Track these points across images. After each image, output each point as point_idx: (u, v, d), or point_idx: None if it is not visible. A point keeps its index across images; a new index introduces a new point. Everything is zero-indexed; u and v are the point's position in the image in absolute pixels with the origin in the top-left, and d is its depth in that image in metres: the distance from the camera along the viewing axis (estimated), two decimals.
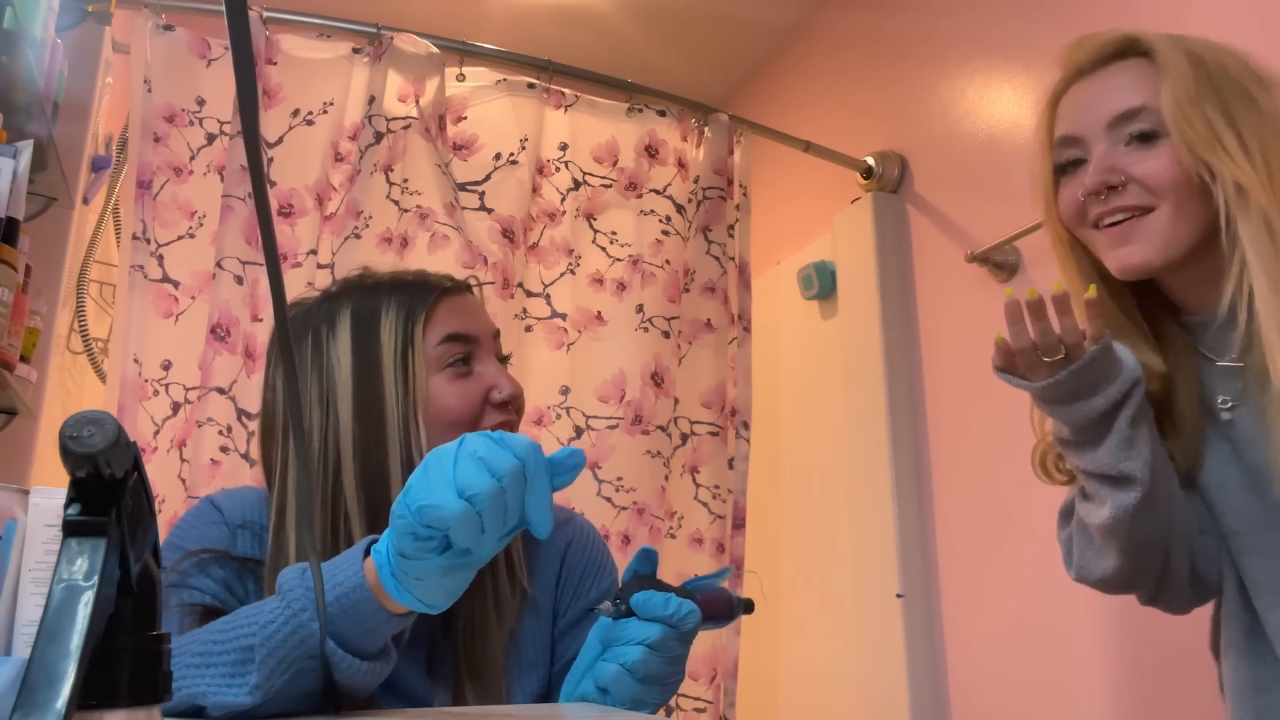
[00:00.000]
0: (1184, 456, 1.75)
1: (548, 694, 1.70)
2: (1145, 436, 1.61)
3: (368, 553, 1.30)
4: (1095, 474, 1.65)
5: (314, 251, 2.80)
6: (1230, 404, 1.71)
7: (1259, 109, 1.59)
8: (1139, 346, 1.75)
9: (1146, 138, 1.63)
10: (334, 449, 1.61)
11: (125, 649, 0.72)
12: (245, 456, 2.58)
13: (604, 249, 3.21)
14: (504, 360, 1.78)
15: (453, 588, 1.24)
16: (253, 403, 2.60)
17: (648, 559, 1.49)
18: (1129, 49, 1.70)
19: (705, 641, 3.09)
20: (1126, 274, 1.68)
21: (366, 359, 1.64)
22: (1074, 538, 1.81)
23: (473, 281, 1.87)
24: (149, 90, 2.74)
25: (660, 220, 3.26)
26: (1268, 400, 1.56)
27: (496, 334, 1.78)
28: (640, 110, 3.32)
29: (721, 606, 1.51)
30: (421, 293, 1.71)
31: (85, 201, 2.79)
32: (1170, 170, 1.60)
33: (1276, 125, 1.58)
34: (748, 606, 1.57)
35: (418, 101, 2.94)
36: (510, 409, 1.72)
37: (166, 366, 2.64)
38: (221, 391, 2.59)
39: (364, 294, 1.72)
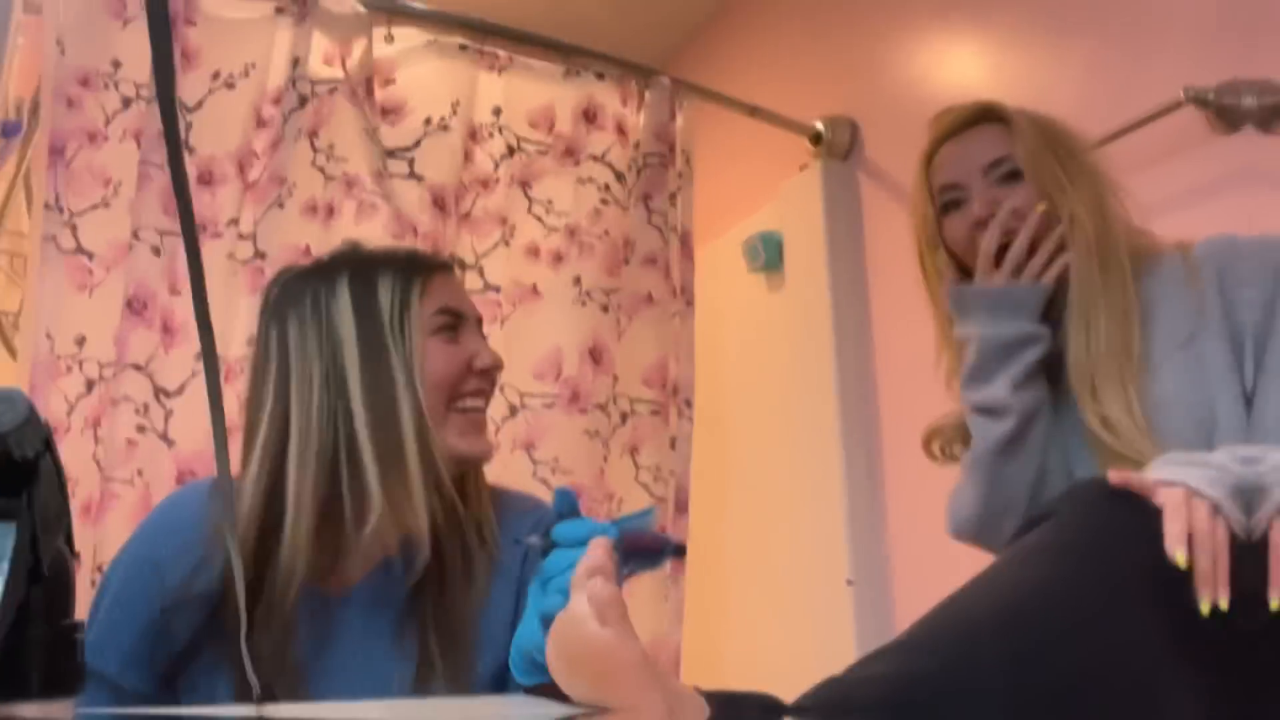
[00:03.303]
0: None
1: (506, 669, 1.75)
2: (1033, 391, 2.05)
3: None
4: (981, 407, 2.09)
5: (235, 221, 2.77)
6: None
7: (1079, 161, 2.12)
8: None
9: (1012, 176, 2.11)
10: (338, 396, 1.78)
11: (37, 639, 0.72)
12: (164, 437, 2.57)
13: (540, 219, 3.20)
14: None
15: None
16: (171, 379, 2.59)
17: (566, 498, 1.55)
18: (986, 115, 2.20)
19: (646, 630, 3.08)
20: None
21: (366, 316, 1.82)
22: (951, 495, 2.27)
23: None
24: (62, 52, 2.70)
25: (599, 189, 3.27)
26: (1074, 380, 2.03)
27: (480, 320, 1.99)
28: (578, 73, 3.31)
29: (646, 542, 1.54)
30: (418, 265, 1.92)
31: None
32: (1033, 201, 2.08)
33: (1093, 174, 2.12)
34: (678, 550, 1.61)
35: (344, 64, 2.93)
36: (489, 378, 1.93)
37: (80, 342, 2.62)
38: (138, 368, 2.58)
39: (360, 262, 1.91)
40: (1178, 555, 1.34)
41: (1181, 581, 1.34)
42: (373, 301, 1.83)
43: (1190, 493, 1.44)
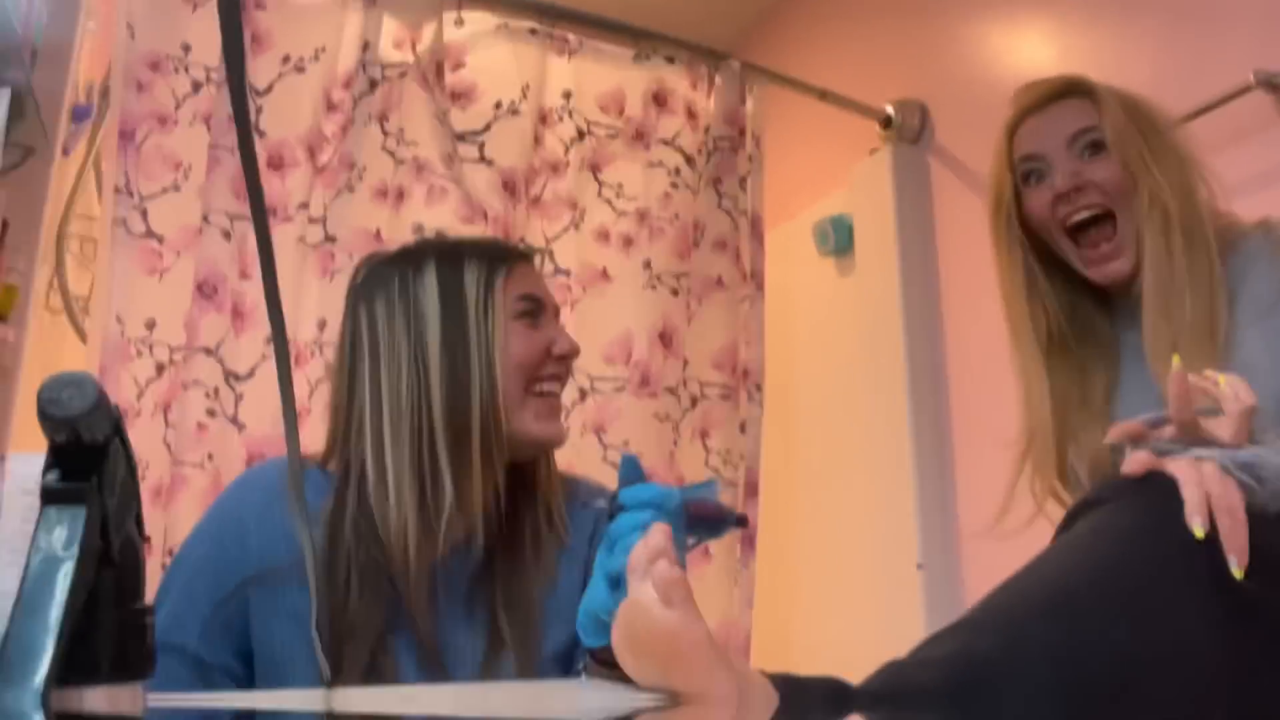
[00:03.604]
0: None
1: (575, 646, 1.84)
2: None
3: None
4: None
5: (305, 205, 2.78)
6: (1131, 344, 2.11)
7: (1164, 138, 2.09)
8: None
9: (1097, 146, 2.09)
10: (421, 376, 1.84)
11: (106, 623, 0.71)
12: (233, 420, 2.58)
13: (610, 202, 3.19)
14: None
15: None
16: (241, 363, 2.60)
17: (631, 465, 1.58)
18: (1073, 89, 2.17)
19: (717, 614, 3.08)
20: (1112, 279, 2.11)
21: (451, 298, 1.89)
22: None
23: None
24: (132, 36, 2.71)
25: (669, 173, 3.26)
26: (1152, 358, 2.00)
27: (558, 309, 2.08)
28: (648, 57, 3.30)
29: (708, 511, 1.56)
30: (503, 252, 2.01)
31: (65, 153, 2.77)
32: (1117, 175, 2.07)
33: (1178, 151, 2.08)
34: (740, 520, 1.63)
35: (414, 48, 2.93)
36: (566, 364, 1.99)
37: (151, 326, 2.63)
38: (208, 352, 2.58)
39: (447, 249, 2.00)
40: (1196, 527, 1.32)
41: (1218, 552, 1.33)
42: (458, 286, 1.90)
43: (1194, 460, 1.43)
